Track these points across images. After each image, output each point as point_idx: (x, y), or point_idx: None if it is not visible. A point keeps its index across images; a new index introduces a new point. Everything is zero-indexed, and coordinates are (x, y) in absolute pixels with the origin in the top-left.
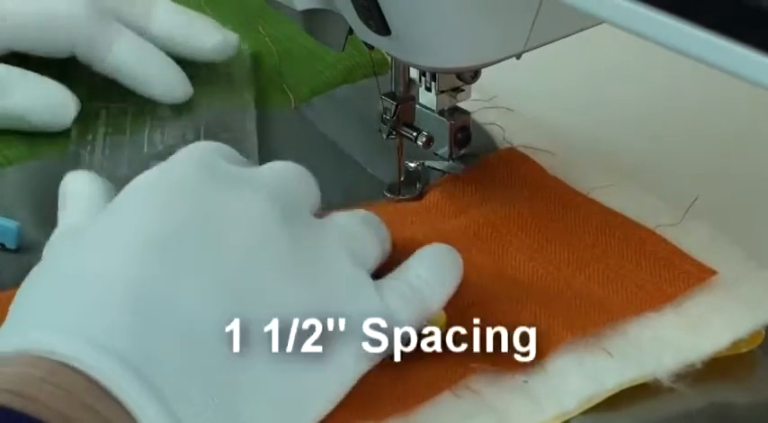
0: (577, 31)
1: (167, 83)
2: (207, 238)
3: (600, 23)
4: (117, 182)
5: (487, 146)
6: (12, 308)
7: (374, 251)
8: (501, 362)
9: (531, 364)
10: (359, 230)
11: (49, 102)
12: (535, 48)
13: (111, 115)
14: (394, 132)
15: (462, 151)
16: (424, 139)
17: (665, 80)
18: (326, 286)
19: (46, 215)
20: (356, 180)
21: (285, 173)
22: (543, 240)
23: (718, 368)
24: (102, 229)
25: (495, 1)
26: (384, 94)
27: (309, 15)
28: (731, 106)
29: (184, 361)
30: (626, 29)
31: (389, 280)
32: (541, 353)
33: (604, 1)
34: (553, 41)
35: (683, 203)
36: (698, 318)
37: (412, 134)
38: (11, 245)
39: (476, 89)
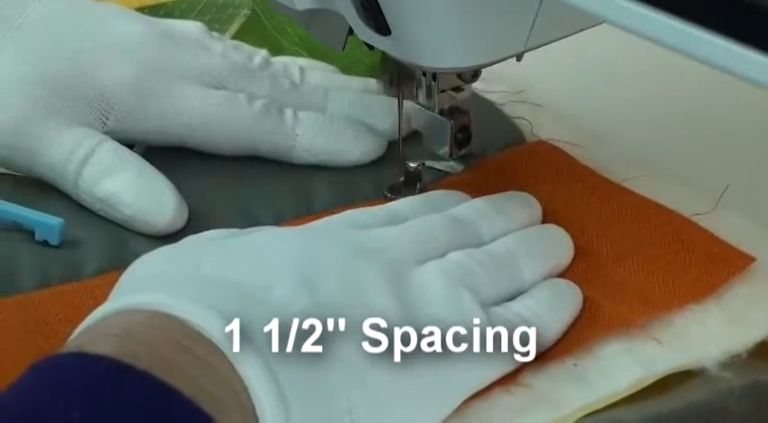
0: (578, 31)
1: (361, 142)
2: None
3: (600, 23)
4: None
5: (516, 138)
6: (120, 282)
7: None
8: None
9: (581, 350)
10: (475, 269)
11: (144, 199)
12: (535, 48)
13: None
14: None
15: (462, 151)
16: (424, 91)
17: (692, 72)
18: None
19: (89, 211)
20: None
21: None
22: (579, 232)
23: (760, 350)
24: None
25: (495, 1)
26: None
27: (310, 15)
28: (759, 96)
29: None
30: (626, 29)
31: (499, 308)
32: (590, 339)
33: (604, 1)
34: (553, 41)
35: (712, 194)
36: (740, 309)
37: (412, 83)
38: (54, 241)
39: (504, 82)
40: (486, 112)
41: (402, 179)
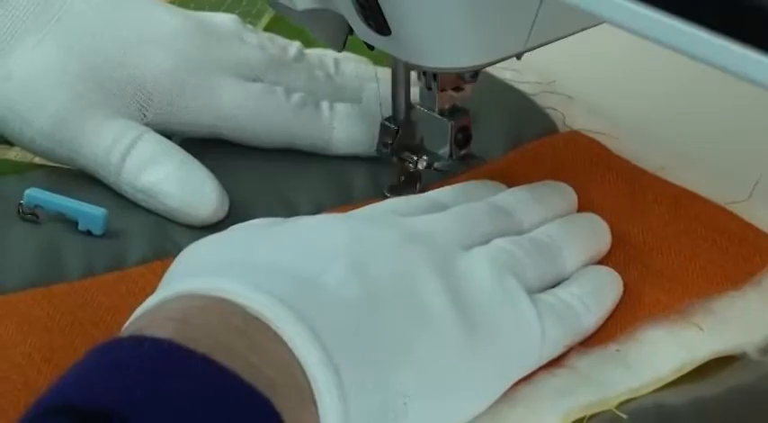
0: (578, 31)
1: None
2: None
3: (600, 23)
4: None
5: (548, 129)
6: (171, 269)
7: (536, 272)
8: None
9: (623, 335)
10: (520, 255)
11: (185, 189)
12: (535, 48)
13: None
14: (394, 157)
15: (462, 152)
16: (424, 164)
17: None
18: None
19: (130, 202)
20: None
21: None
22: (616, 221)
23: None
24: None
25: (495, 1)
26: (385, 119)
27: (310, 15)
28: None
29: (340, 316)
30: (626, 29)
31: (544, 295)
32: (631, 325)
33: (604, 1)
34: (553, 41)
35: (747, 183)
36: None
37: (412, 158)
38: (97, 231)
39: (535, 72)
40: (517, 103)
41: (402, 179)
